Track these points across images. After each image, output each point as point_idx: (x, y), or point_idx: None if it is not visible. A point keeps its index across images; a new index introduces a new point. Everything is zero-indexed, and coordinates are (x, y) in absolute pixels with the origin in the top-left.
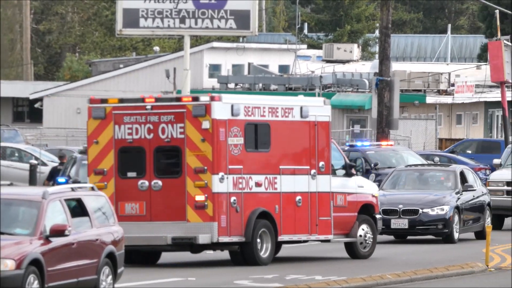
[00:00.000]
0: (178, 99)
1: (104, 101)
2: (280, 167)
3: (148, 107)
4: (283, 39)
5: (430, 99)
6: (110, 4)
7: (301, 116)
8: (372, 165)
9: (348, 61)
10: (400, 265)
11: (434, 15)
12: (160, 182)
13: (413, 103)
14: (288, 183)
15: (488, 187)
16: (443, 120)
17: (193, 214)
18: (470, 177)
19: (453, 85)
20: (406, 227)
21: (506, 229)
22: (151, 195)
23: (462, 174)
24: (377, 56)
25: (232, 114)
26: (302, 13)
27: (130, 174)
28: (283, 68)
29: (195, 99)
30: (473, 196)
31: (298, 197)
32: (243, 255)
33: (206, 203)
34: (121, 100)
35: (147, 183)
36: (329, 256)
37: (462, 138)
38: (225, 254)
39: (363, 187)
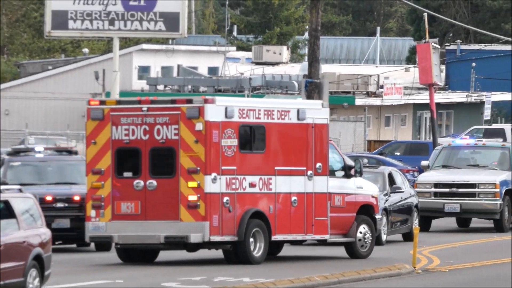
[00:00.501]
0: (173, 101)
1: (102, 102)
2: (276, 168)
3: (144, 109)
4: (212, 41)
5: (359, 101)
6: (38, 6)
7: (298, 119)
8: None
9: (277, 63)
10: (327, 267)
11: (363, 17)
12: (155, 182)
13: (342, 105)
14: (284, 184)
15: (416, 189)
16: (372, 122)
17: (185, 213)
18: (398, 178)
19: (382, 87)
20: None
21: (433, 230)
22: (146, 195)
23: (390, 176)
24: (306, 58)
25: (226, 116)
26: (231, 16)
27: (126, 174)
28: (213, 70)
29: (189, 101)
30: (401, 198)
31: (293, 198)
32: (236, 254)
33: (198, 203)
34: (119, 102)
35: (142, 183)
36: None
37: (390, 140)
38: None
39: (362, 188)
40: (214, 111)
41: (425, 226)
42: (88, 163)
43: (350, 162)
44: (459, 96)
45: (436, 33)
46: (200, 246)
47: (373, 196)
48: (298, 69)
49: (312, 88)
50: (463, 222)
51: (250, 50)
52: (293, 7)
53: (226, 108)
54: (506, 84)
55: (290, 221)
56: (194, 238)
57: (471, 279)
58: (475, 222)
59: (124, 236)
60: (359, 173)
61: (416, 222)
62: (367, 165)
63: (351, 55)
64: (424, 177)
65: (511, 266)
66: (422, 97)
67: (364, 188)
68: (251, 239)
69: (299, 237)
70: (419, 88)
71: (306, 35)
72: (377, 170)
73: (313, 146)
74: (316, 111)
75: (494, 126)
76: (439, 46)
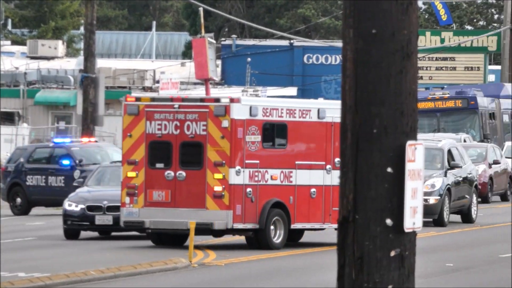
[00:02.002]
0: (202, 100)
1: (138, 99)
2: (296, 162)
3: (176, 106)
4: None
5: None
6: None
7: (318, 117)
8: (77, 161)
9: (53, 58)
10: (104, 262)
11: (139, 12)
12: (184, 173)
13: (118, 100)
14: (304, 177)
15: None
16: None
17: (211, 202)
18: None
19: (158, 82)
20: (111, 223)
21: None
22: (176, 184)
23: None
24: (82, 52)
25: (251, 115)
26: (6, 9)
27: (158, 165)
28: None
29: (217, 100)
30: None
31: (312, 189)
32: (257, 241)
33: (223, 193)
34: (153, 99)
35: (172, 173)
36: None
37: None
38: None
39: None
40: (239, 110)
41: None
42: (124, 154)
43: None
44: (235, 91)
45: (211, 28)
46: (224, 233)
47: None
48: (74, 64)
49: (88, 82)
50: None
51: (25, 44)
52: (69, 1)
53: (250, 107)
54: (282, 79)
55: (308, 211)
56: (218, 225)
57: (245, 272)
58: None
59: (155, 221)
60: None
61: None
62: None
63: (127, 50)
64: None
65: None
66: (199, 92)
67: None
68: (272, 227)
69: (317, 225)
70: (195, 83)
71: (82, 29)
72: None
73: (332, 142)
74: (336, 111)
75: None
76: (214, 41)
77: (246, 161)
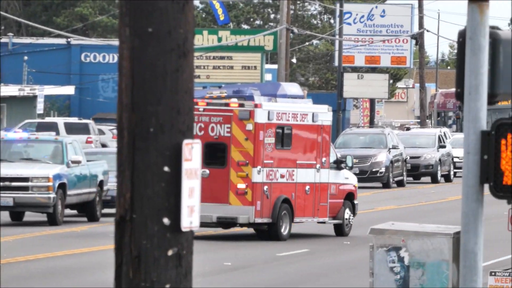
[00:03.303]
0: (227, 105)
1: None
2: (297, 162)
3: (201, 109)
4: None
5: None
6: None
7: (313, 121)
8: None
9: None
10: None
11: None
12: (207, 171)
13: None
14: (302, 175)
15: None
16: None
17: (234, 198)
18: None
19: None
20: None
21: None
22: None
23: None
24: None
25: (268, 119)
26: None
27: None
28: None
29: (241, 105)
30: None
31: (307, 187)
32: (269, 233)
33: (246, 191)
34: (209, 103)
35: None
36: None
37: None
38: None
39: (348, 179)
40: (261, 114)
41: None
42: None
43: (339, 156)
44: (11, 90)
45: None
46: (243, 226)
47: (354, 186)
48: None
49: None
50: (17, 216)
51: None
52: None
53: (268, 112)
54: (59, 78)
55: (304, 206)
56: (242, 219)
57: (23, 272)
58: (29, 216)
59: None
60: (351, 168)
61: None
62: None
63: None
64: None
65: None
66: None
67: (349, 178)
68: (281, 221)
69: (309, 219)
70: None
71: None
72: None
73: (322, 143)
74: (324, 114)
75: (48, 119)
76: None
77: (264, 161)
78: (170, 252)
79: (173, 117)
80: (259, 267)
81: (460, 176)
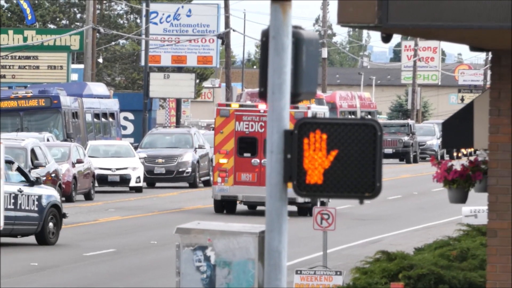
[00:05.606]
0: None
1: (228, 105)
2: None
3: (262, 111)
4: None
5: None
6: None
7: None
8: None
9: None
10: None
11: None
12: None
13: None
14: None
15: None
16: None
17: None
18: None
19: None
20: None
21: None
22: (261, 169)
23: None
24: None
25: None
26: None
27: (246, 154)
28: None
29: (296, 107)
30: None
31: None
32: (306, 211)
33: None
34: (241, 106)
35: (258, 160)
36: None
37: None
38: None
39: None
40: (310, 115)
41: None
42: (216, 146)
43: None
44: None
45: None
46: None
47: None
48: None
49: None
50: None
51: None
52: None
53: (312, 113)
54: None
55: None
56: (300, 199)
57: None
58: None
59: (247, 196)
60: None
61: None
62: None
63: None
64: None
65: None
66: None
67: None
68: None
69: None
70: None
71: None
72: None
73: None
74: (325, 114)
75: None
76: None
77: None
78: None
79: None
80: (67, 267)
81: None
